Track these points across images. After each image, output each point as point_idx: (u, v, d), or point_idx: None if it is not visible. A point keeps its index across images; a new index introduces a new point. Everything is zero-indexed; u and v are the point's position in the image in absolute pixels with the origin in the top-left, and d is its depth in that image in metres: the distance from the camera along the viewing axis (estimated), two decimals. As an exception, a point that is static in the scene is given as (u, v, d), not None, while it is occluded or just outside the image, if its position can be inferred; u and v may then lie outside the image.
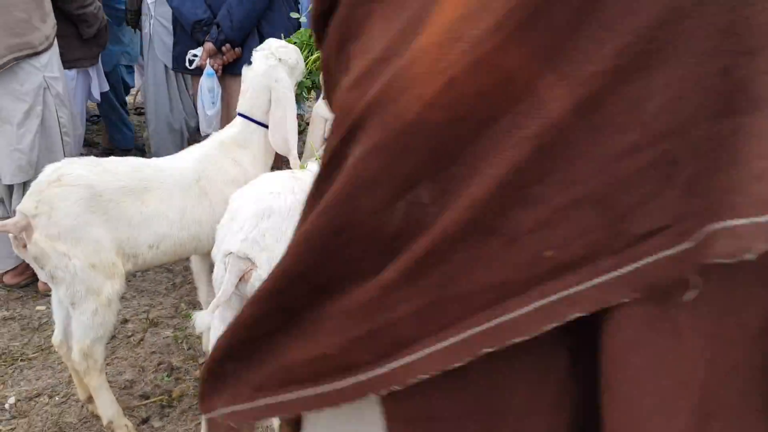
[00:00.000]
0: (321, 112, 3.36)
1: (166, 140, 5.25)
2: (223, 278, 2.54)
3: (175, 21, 4.52)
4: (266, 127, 3.38)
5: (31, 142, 3.93)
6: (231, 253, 2.55)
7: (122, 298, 4.04)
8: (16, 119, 3.88)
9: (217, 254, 2.65)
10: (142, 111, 7.46)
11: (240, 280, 2.56)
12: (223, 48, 4.09)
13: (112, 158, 3.07)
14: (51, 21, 4.05)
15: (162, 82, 5.18)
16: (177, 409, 3.24)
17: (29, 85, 3.91)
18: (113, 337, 3.76)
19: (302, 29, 3.67)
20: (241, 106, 3.40)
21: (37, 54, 3.93)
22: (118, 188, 2.90)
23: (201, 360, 3.51)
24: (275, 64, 3.37)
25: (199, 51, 4.19)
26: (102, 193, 2.85)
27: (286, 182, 2.88)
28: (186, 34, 4.34)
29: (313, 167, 3.22)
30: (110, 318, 2.91)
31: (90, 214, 2.81)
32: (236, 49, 4.14)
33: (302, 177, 3.04)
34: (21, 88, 3.88)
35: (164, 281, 4.34)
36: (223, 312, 2.69)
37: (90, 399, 3.05)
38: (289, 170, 3.15)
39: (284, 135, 3.34)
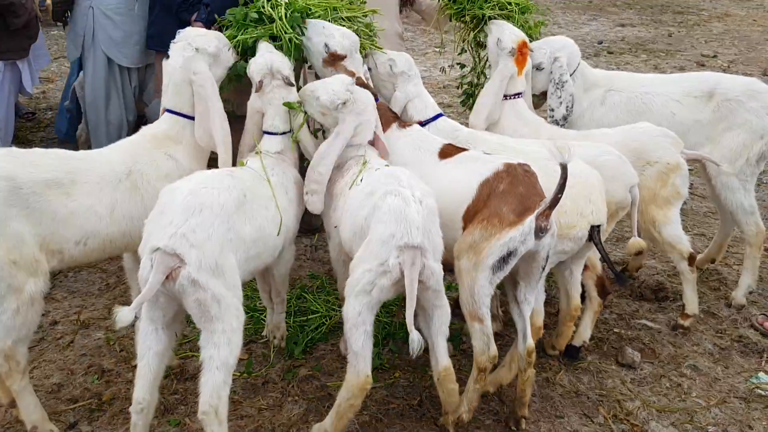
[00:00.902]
0: (256, 105, 3.25)
1: (104, 135, 5.06)
2: (149, 275, 2.42)
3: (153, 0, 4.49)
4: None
5: None
6: (158, 248, 2.44)
7: (52, 299, 3.91)
8: None
9: (143, 250, 2.53)
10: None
11: (167, 278, 2.43)
12: (212, 28, 3.97)
13: (35, 149, 2.91)
14: None
15: (101, 77, 4.99)
16: (107, 413, 3.09)
17: None
18: (41, 339, 3.59)
19: (237, 7, 3.54)
20: (166, 101, 3.27)
21: None
22: (40, 181, 2.74)
23: (134, 362, 3.36)
24: (192, 55, 3.24)
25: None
26: (22, 186, 2.69)
27: (221, 179, 2.79)
28: (167, 13, 4.21)
29: (253, 164, 3.12)
30: (33, 317, 2.75)
31: (9, 207, 2.65)
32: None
33: (240, 174, 2.95)
34: None
35: (97, 281, 4.16)
36: (149, 311, 2.59)
37: (13, 403, 2.88)
38: (227, 167, 3.05)
39: (208, 129, 3.22)
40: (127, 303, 3.74)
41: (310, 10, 3.50)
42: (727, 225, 4.27)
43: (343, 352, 3.58)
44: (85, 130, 5.62)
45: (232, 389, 3.17)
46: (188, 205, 2.55)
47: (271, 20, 3.45)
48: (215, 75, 3.31)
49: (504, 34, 3.83)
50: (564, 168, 2.55)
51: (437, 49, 9.67)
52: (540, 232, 2.67)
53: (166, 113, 3.27)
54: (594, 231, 3.05)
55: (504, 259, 2.71)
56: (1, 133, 4.22)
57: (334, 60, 3.38)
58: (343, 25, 3.52)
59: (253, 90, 3.26)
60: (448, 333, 2.82)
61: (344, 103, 3.10)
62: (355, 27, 3.58)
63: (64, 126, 5.86)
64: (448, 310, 2.73)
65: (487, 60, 4.13)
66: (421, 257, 2.58)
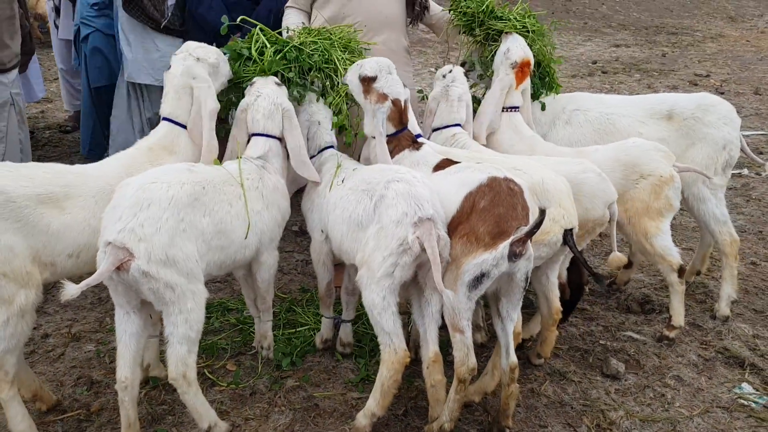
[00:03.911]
0: (243, 104, 3.34)
1: None
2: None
3: (194, 24, 4.60)
4: None
5: None
6: (110, 242, 2.59)
7: (44, 312, 3.95)
8: None
9: (99, 241, 2.69)
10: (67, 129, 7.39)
11: (120, 269, 2.60)
12: None
13: (31, 163, 3.00)
14: (18, 38, 3.97)
15: (125, 100, 5.11)
16: (95, 424, 3.12)
17: None
18: (32, 352, 3.63)
19: (231, 42, 3.65)
20: (164, 109, 3.37)
21: (5, 71, 3.85)
22: (34, 194, 2.81)
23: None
24: (193, 63, 3.37)
25: None
26: (15, 199, 2.75)
27: (176, 174, 2.88)
28: (203, 36, 4.17)
29: (231, 166, 3.19)
30: (23, 329, 2.80)
31: (1, 220, 2.71)
32: None
33: (201, 169, 3.03)
34: None
35: (90, 295, 4.21)
36: (115, 298, 2.80)
37: (33, 398, 3.03)
38: (188, 163, 3.12)
39: (199, 130, 3.32)
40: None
41: (303, 48, 3.55)
42: (707, 235, 4.33)
43: (318, 346, 3.68)
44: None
45: (220, 399, 3.26)
46: (137, 200, 2.69)
47: (261, 57, 3.54)
48: (215, 85, 3.41)
49: (514, 45, 3.93)
50: (542, 212, 2.63)
51: (432, 70, 9.79)
52: (514, 257, 2.73)
53: (163, 121, 3.36)
54: (567, 234, 3.11)
55: (478, 279, 2.78)
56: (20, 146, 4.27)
57: (368, 84, 3.40)
58: (342, 57, 3.59)
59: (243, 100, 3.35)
60: (440, 320, 2.94)
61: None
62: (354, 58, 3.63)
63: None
64: (448, 293, 2.76)
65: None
66: (434, 227, 2.75)
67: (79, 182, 2.99)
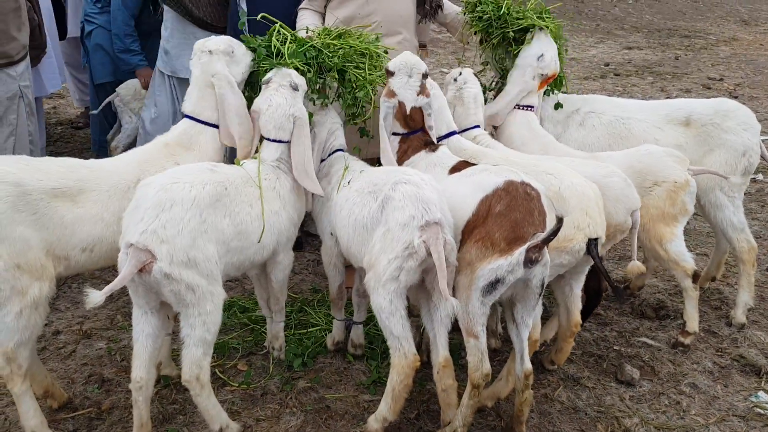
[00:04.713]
0: (256, 105, 3.29)
1: None
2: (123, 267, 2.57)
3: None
4: (214, 126, 3.32)
5: None
6: (132, 244, 2.56)
7: (56, 309, 3.94)
8: None
9: (120, 243, 2.66)
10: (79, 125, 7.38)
11: (142, 270, 2.57)
12: None
13: (46, 158, 2.99)
14: (26, 30, 3.97)
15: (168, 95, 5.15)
16: (106, 422, 3.11)
17: (3, 93, 3.81)
18: (43, 348, 3.62)
19: (250, 36, 3.61)
20: (185, 106, 3.35)
21: (13, 63, 3.85)
22: (49, 188, 2.80)
23: (134, 371, 3.40)
24: (207, 59, 3.34)
25: None
26: (30, 192, 2.75)
27: (197, 174, 2.85)
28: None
29: (249, 165, 3.17)
30: (36, 321, 2.80)
31: (16, 212, 2.70)
32: None
33: (224, 170, 3.01)
34: None
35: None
36: (135, 299, 2.77)
37: (45, 394, 3.04)
38: (210, 163, 3.10)
39: (227, 129, 3.29)
40: (130, 313, 3.82)
41: (329, 47, 3.51)
42: (723, 242, 4.28)
43: (330, 347, 3.65)
44: (122, 142, 5.77)
45: (231, 400, 3.24)
46: (159, 201, 2.65)
47: (278, 54, 3.50)
48: (235, 74, 3.38)
49: (549, 55, 3.88)
50: (560, 219, 2.58)
51: (444, 70, 9.76)
52: (530, 263, 2.68)
53: (184, 119, 3.34)
54: (591, 244, 3.07)
55: (492, 285, 2.73)
56: (41, 148, 4.27)
57: (387, 77, 3.42)
58: (359, 63, 3.56)
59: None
60: (450, 325, 2.90)
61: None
62: (368, 63, 3.58)
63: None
64: (453, 301, 2.73)
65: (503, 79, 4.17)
66: (441, 232, 2.69)
67: (93, 177, 2.98)
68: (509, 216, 2.75)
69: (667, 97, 9.59)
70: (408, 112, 3.36)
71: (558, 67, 3.91)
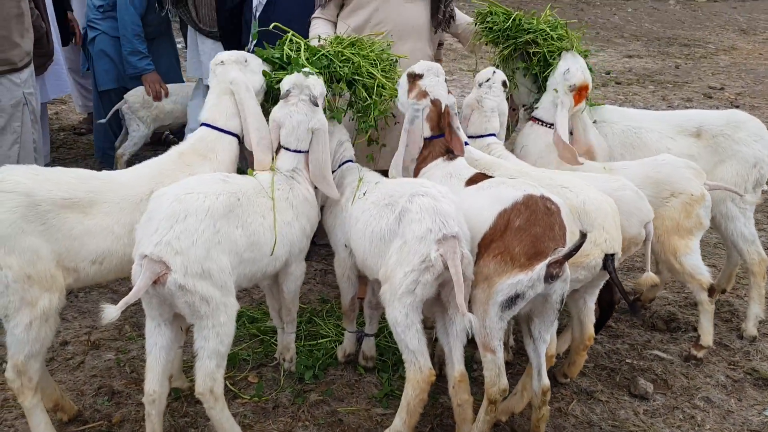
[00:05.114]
0: (276, 116, 3.26)
1: None
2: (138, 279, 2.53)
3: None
4: (230, 134, 3.30)
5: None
6: (146, 256, 2.53)
7: (63, 318, 3.90)
8: None
9: (134, 254, 2.63)
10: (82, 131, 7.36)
11: (156, 282, 2.54)
12: None
13: (57, 168, 2.95)
14: (30, 37, 3.94)
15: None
16: (116, 435, 3.08)
17: (7, 100, 3.78)
18: (51, 359, 3.58)
19: (262, 49, 3.61)
20: (202, 114, 3.33)
21: (16, 70, 3.82)
22: (58, 198, 2.76)
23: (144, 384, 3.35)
24: (222, 69, 3.34)
25: None
26: (40, 203, 2.72)
27: (211, 184, 2.83)
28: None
29: (263, 177, 3.14)
30: (47, 333, 2.76)
31: (26, 223, 2.67)
32: None
33: (236, 180, 2.98)
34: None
35: (108, 302, 4.12)
36: (148, 311, 2.74)
37: (55, 407, 3.02)
38: (222, 173, 3.07)
39: (248, 132, 3.27)
40: (138, 324, 3.80)
41: (340, 56, 3.49)
42: (734, 254, 4.27)
43: (341, 359, 3.61)
44: (129, 150, 5.76)
45: (242, 413, 3.20)
46: (173, 212, 2.62)
47: (290, 63, 3.47)
48: (252, 82, 3.36)
49: (574, 67, 3.85)
50: (583, 235, 2.55)
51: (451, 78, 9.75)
52: (550, 278, 2.65)
53: (201, 126, 3.31)
54: (608, 260, 3.05)
55: (512, 300, 2.70)
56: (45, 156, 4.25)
57: (414, 80, 3.40)
58: (371, 73, 3.53)
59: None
60: (466, 339, 2.86)
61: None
62: (381, 74, 3.56)
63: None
64: (470, 316, 2.69)
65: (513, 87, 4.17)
66: (458, 246, 2.66)
67: (104, 188, 2.94)
68: (529, 230, 2.73)
69: (669, 106, 9.61)
70: (443, 109, 3.34)
71: (587, 77, 3.87)
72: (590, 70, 3.97)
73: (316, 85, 3.26)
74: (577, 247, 2.58)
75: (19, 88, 3.85)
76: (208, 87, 3.53)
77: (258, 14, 4.26)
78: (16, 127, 3.87)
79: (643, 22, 16.98)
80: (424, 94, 3.35)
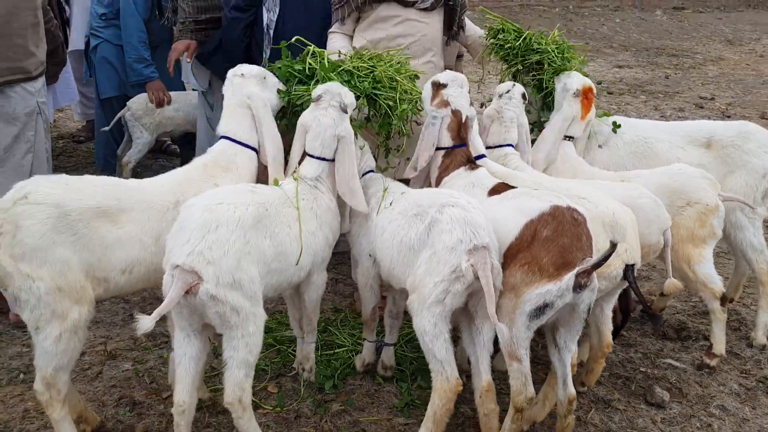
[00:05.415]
0: (304, 120, 3.27)
1: None
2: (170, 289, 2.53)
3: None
4: (249, 147, 3.31)
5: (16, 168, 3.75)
6: (178, 266, 2.53)
7: (77, 329, 3.86)
8: (3, 143, 3.71)
9: (165, 264, 2.63)
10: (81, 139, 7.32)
11: (188, 292, 2.55)
12: None
13: (85, 177, 2.95)
14: (44, 46, 3.93)
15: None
16: (140, 446, 3.06)
17: (21, 109, 3.76)
18: (68, 369, 3.55)
19: (282, 62, 3.63)
20: (221, 127, 3.34)
21: (31, 79, 3.81)
22: (88, 208, 2.76)
23: (165, 394, 3.34)
24: (240, 81, 3.37)
25: None
26: (70, 213, 2.71)
27: (240, 195, 2.85)
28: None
29: (288, 186, 3.15)
30: (76, 345, 2.76)
31: (57, 234, 2.67)
32: None
33: (263, 191, 3.00)
34: (13, 112, 3.73)
35: (120, 312, 4.14)
36: (178, 321, 2.74)
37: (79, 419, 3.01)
38: (248, 184, 3.09)
39: (264, 147, 3.29)
40: (153, 334, 3.79)
41: (354, 72, 3.52)
42: (742, 263, 4.33)
43: (359, 369, 3.61)
44: (134, 157, 5.73)
45: (265, 423, 3.21)
46: (205, 222, 2.64)
47: (312, 76, 3.50)
48: (268, 99, 3.39)
49: (570, 78, 3.95)
50: (613, 245, 2.58)
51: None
52: (579, 288, 2.68)
53: (221, 139, 3.32)
54: (628, 270, 3.09)
55: (540, 309, 2.73)
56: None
57: (437, 90, 3.47)
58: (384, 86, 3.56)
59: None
60: (492, 349, 2.90)
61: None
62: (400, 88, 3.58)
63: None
64: (501, 326, 2.72)
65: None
66: (489, 256, 2.69)
67: (132, 197, 2.94)
68: (557, 241, 2.76)
69: (662, 116, 9.72)
70: (464, 120, 3.38)
71: (587, 81, 3.94)
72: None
73: (348, 94, 3.29)
74: (606, 257, 2.61)
75: (33, 97, 3.84)
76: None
77: (272, 32, 4.27)
78: (30, 136, 3.86)
79: (632, 33, 17.17)
80: (445, 104, 3.39)
